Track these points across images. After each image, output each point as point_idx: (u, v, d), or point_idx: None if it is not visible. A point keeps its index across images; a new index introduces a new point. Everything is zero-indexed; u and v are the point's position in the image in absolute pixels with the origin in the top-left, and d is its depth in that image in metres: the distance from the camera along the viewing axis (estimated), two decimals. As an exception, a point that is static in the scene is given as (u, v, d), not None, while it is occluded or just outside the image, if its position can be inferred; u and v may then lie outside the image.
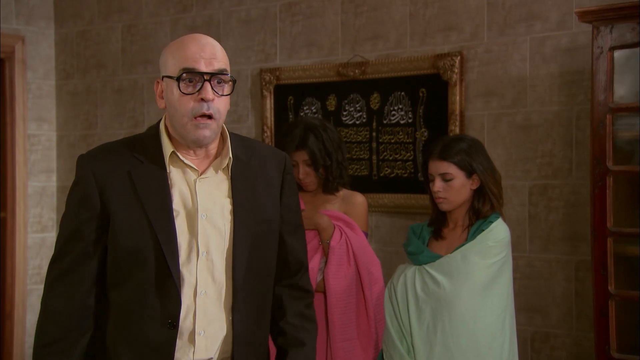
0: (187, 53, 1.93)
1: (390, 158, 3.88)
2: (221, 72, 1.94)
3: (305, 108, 4.09)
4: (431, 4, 3.75)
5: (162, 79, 1.99)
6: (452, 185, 2.73)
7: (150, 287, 1.92)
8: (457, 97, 3.65)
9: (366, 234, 3.18)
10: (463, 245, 2.71)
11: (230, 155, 2.01)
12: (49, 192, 4.90)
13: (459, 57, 3.65)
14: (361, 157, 3.96)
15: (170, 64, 1.95)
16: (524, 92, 3.53)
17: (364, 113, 3.94)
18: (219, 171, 2.01)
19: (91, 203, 1.95)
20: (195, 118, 1.92)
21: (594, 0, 3.27)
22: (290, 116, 4.12)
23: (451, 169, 2.73)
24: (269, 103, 4.18)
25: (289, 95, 4.13)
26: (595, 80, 2.95)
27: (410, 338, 2.72)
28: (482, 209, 2.75)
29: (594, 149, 2.98)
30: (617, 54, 2.93)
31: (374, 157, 3.92)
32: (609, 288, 2.92)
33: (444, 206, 2.77)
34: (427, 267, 2.73)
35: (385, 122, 3.88)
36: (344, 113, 4.00)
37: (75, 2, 4.89)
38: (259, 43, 4.22)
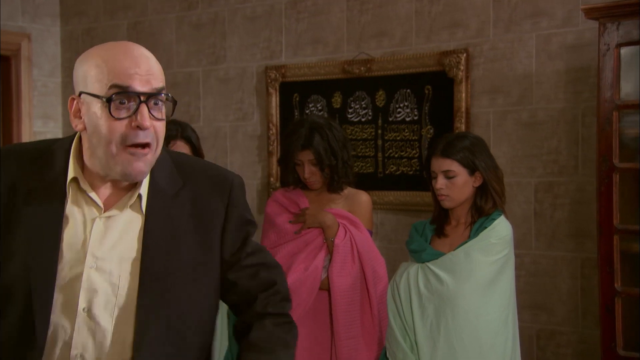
0: (117, 67, 1.55)
1: (396, 155, 3.87)
2: (160, 92, 1.59)
3: (310, 105, 4.09)
4: (437, 0, 3.75)
5: (79, 96, 1.59)
6: (455, 183, 2.73)
7: (14, 332, 1.59)
8: (463, 94, 3.65)
9: (371, 232, 3.17)
10: (466, 242, 2.71)
11: (142, 191, 1.64)
12: (54, 189, 4.91)
13: (464, 54, 3.64)
14: (367, 154, 3.96)
15: (94, 79, 1.56)
16: (530, 89, 3.53)
17: (370, 110, 3.93)
18: (128, 209, 1.64)
19: None
20: (127, 147, 1.56)
21: (600, -3, 3.26)
22: (296, 113, 4.12)
23: (454, 166, 2.73)
24: (275, 100, 4.18)
25: (295, 93, 4.13)
26: (602, 77, 2.94)
27: (413, 335, 2.72)
28: (484, 207, 2.75)
29: (600, 146, 2.97)
30: (624, 50, 2.92)
31: (380, 154, 3.92)
32: (615, 285, 2.92)
33: (447, 203, 2.77)
34: (430, 264, 2.73)
35: (390, 119, 3.88)
36: (350, 110, 3.99)
37: (81, -1, 4.90)
38: (264, 40, 4.22)
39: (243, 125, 4.31)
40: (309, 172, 3.11)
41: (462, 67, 3.64)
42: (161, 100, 1.60)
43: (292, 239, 3.10)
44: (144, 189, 1.65)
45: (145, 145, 1.57)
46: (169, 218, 1.65)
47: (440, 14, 3.74)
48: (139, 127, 1.55)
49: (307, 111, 4.08)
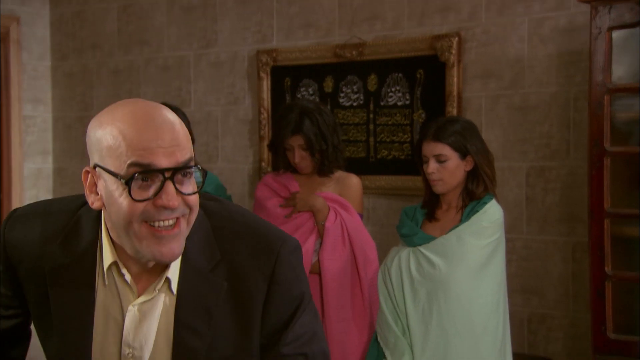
0: (136, 140, 1.33)
1: (388, 140, 3.86)
2: (186, 165, 1.36)
3: (302, 90, 4.07)
4: (429, -16, 3.73)
5: (95, 169, 1.39)
6: (446, 167, 2.73)
7: None
8: (455, 79, 3.63)
9: (361, 216, 3.17)
10: (457, 226, 2.71)
11: (170, 273, 1.44)
12: (45, 174, 4.88)
13: (456, 38, 3.62)
14: (358, 139, 3.94)
15: (110, 153, 1.35)
16: (522, 73, 3.51)
17: (361, 95, 3.92)
18: (158, 291, 1.46)
19: (6, 285, 1.55)
20: (152, 227, 1.36)
21: (592, -20, 3.25)
22: (287, 98, 4.10)
23: (445, 150, 2.73)
24: (266, 84, 4.16)
25: (286, 77, 4.11)
26: (594, 61, 2.93)
27: (405, 319, 2.72)
28: (475, 191, 2.75)
29: (592, 130, 2.96)
30: (616, 34, 2.91)
31: (371, 139, 3.91)
32: (606, 269, 2.92)
33: (439, 188, 2.76)
34: (421, 248, 2.73)
35: (382, 103, 3.87)
36: (341, 95, 3.98)
37: (71, -18, 4.85)
38: (255, 24, 4.19)
39: (234, 109, 4.29)
40: (300, 157, 3.10)
41: (454, 51, 3.63)
42: (189, 173, 1.38)
43: (282, 222, 3.09)
44: (174, 269, 1.44)
45: (174, 224, 1.37)
46: (203, 298, 1.44)
47: (432, -2, 3.72)
48: (164, 207, 1.35)
49: (298, 95, 4.07)
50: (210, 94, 4.36)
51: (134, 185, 1.34)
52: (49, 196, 4.87)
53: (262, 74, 4.15)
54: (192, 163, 1.38)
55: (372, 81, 3.89)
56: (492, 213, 2.71)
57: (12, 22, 4.68)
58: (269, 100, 4.16)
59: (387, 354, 2.74)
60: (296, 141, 3.09)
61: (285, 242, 1.48)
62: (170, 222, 1.37)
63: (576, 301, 3.42)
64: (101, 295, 1.47)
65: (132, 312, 1.46)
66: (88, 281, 1.46)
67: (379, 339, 2.80)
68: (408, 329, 2.71)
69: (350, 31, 3.93)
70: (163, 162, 1.33)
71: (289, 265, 1.47)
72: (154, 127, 1.34)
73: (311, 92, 4.04)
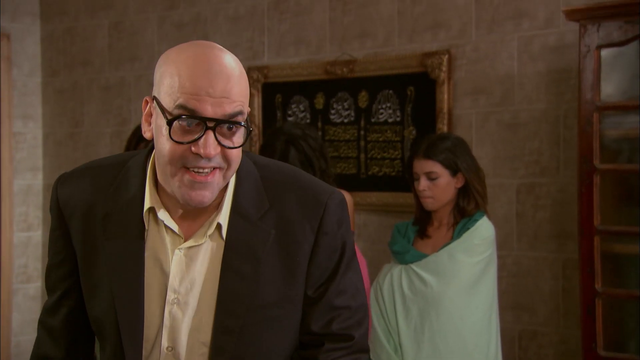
0: (189, 84, 1.35)
1: (379, 156, 3.87)
2: (233, 120, 1.37)
3: (293, 106, 4.08)
4: (419, 1, 3.75)
5: (153, 100, 1.43)
6: (438, 184, 2.74)
7: None
8: (445, 96, 3.65)
9: (352, 232, 3.17)
10: (449, 243, 2.72)
11: (222, 219, 1.45)
12: (35, 190, 4.86)
13: (447, 55, 3.64)
14: (349, 155, 3.95)
15: (166, 89, 1.38)
16: (512, 91, 3.54)
17: (352, 111, 3.93)
18: (208, 237, 1.47)
19: (58, 245, 1.56)
20: (187, 170, 1.38)
21: (581, -1, 3.28)
22: (279, 114, 4.11)
23: (436, 167, 2.74)
24: (257, 101, 4.17)
25: (277, 94, 4.12)
26: (583, 79, 2.95)
27: (397, 337, 2.72)
28: (467, 208, 2.76)
29: (581, 147, 2.98)
30: (604, 52, 2.93)
31: (362, 155, 3.92)
32: (596, 286, 2.93)
33: (430, 205, 2.77)
34: (413, 266, 2.74)
35: (373, 120, 3.88)
36: (332, 111, 3.99)
37: (62, -1, 4.86)
38: (246, 40, 4.21)
39: (225, 125, 4.30)
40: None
41: (444, 68, 3.64)
42: (235, 127, 1.38)
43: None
44: (224, 216, 1.46)
45: (209, 173, 1.39)
46: (251, 245, 1.45)
47: (422, 15, 3.74)
48: (200, 156, 1.36)
49: (289, 112, 4.08)
50: (201, 110, 4.36)
51: (176, 126, 1.36)
52: (39, 214, 4.85)
53: (253, 91, 4.16)
54: (241, 118, 1.38)
55: (363, 98, 3.90)
56: (483, 230, 2.72)
57: (3, 39, 4.68)
58: (260, 117, 4.16)
59: (379, 372, 2.74)
60: (282, 170, 3.09)
61: (333, 193, 1.51)
62: (206, 170, 1.38)
63: (566, 318, 3.42)
64: (149, 240, 1.47)
65: (178, 255, 1.46)
66: (137, 227, 1.47)
67: (371, 356, 2.80)
68: (400, 346, 2.71)
69: (341, 48, 3.95)
70: (208, 111, 1.35)
71: (336, 216, 1.50)
72: (209, 74, 1.35)
73: (302, 108, 4.05)
